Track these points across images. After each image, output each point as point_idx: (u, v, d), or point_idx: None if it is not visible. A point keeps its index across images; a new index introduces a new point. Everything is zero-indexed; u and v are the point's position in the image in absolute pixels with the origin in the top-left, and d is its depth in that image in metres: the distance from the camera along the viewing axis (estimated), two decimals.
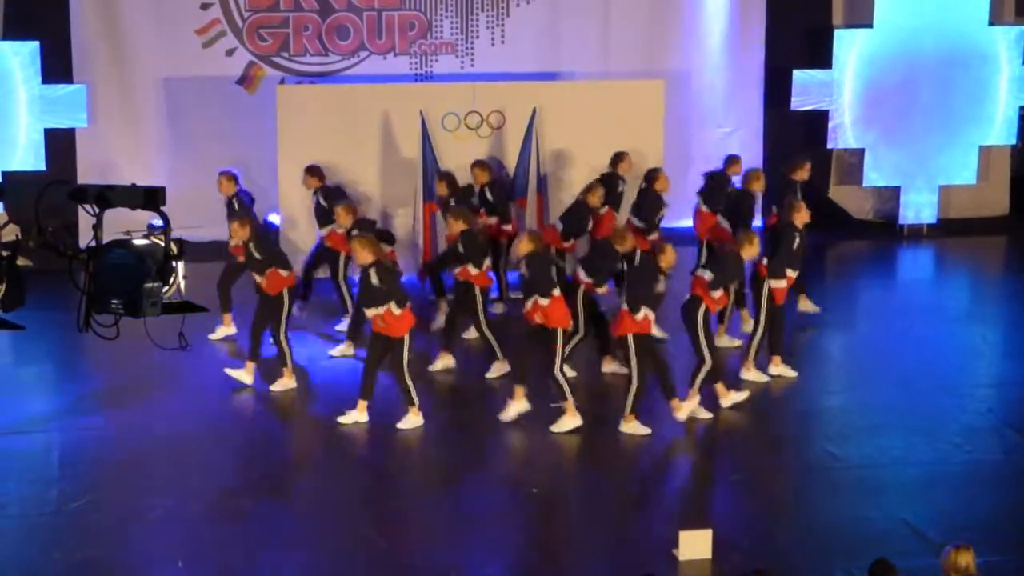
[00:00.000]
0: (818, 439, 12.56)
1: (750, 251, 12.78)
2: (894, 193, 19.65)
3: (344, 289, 14.74)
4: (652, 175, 15.39)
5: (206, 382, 13.43)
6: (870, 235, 19.16)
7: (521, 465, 11.92)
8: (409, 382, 12.20)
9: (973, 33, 19.25)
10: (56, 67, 17.63)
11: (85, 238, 5.84)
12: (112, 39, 18.05)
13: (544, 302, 12.14)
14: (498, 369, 13.55)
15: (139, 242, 5.87)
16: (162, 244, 5.90)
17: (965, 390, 13.56)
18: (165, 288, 5.85)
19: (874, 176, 19.60)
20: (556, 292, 12.19)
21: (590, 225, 14.84)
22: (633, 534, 10.50)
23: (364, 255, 11.98)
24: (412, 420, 12.30)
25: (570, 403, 12.18)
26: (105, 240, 5.88)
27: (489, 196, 15.51)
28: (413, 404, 12.26)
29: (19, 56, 17.42)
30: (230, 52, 18.35)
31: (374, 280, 11.90)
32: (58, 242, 5.96)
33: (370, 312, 12.11)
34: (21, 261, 5.93)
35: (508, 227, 15.61)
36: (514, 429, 12.37)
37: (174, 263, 5.92)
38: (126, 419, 12.72)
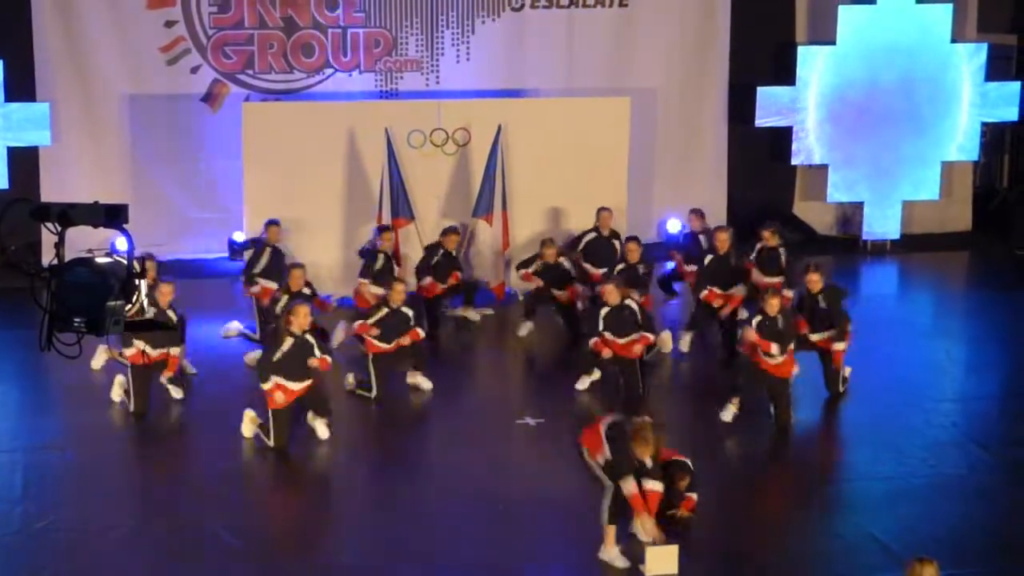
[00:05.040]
0: (784, 455, 12.60)
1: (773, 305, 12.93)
2: (857, 209, 19.80)
3: None
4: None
5: (168, 401, 13.36)
6: (834, 250, 19.24)
7: (490, 480, 11.89)
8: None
9: (935, 50, 19.39)
10: (19, 85, 17.57)
11: (47, 256, 5.81)
12: (76, 57, 17.98)
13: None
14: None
15: (102, 260, 5.85)
16: (124, 262, 5.87)
17: (930, 405, 13.63)
18: (128, 306, 5.82)
19: (837, 192, 19.71)
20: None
21: None
22: (599, 549, 10.48)
23: None
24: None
25: None
26: (68, 258, 5.86)
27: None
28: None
29: None
30: (195, 69, 18.30)
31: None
32: (20, 260, 5.94)
33: None
34: None
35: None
36: (486, 445, 12.37)
37: (137, 281, 5.90)
38: (89, 438, 12.66)
